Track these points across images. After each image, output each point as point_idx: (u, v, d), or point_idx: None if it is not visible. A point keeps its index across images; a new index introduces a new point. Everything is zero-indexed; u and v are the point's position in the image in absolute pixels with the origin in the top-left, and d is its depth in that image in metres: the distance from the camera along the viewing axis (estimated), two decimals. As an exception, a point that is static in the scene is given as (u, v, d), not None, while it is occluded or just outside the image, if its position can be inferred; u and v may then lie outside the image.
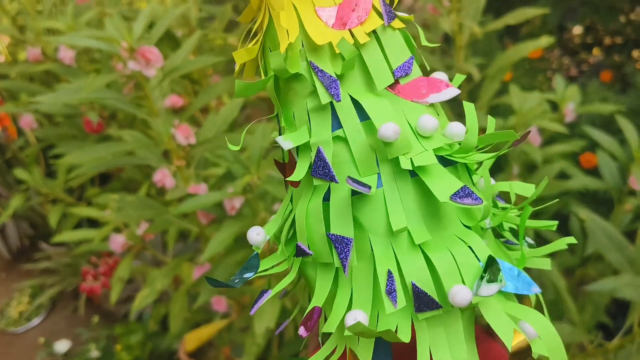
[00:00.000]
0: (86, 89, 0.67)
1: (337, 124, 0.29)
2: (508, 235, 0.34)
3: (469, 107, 0.30)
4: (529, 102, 0.96)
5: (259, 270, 0.32)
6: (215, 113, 0.84)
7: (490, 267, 0.27)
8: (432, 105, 0.31)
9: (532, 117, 0.95)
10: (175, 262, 0.89)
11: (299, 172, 0.29)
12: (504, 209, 0.35)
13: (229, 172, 0.82)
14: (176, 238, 0.98)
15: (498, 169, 1.13)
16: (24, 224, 1.77)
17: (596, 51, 1.94)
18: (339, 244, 0.29)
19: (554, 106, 1.14)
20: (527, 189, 0.34)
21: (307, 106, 0.29)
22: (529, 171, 1.09)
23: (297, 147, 0.30)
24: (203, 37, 1.13)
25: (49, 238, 1.54)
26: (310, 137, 0.29)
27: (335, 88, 0.28)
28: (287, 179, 0.31)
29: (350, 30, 0.29)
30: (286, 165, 0.33)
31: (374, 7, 0.29)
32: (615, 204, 0.98)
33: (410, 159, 0.28)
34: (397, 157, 0.28)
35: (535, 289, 0.29)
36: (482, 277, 0.27)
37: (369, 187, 0.27)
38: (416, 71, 0.31)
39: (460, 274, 0.28)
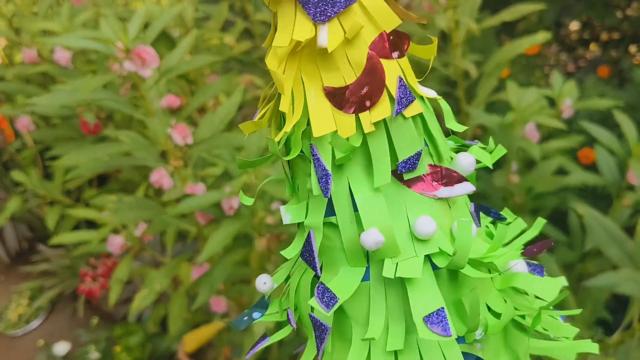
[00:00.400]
0: (82, 90, 0.66)
1: (331, 210, 0.28)
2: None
3: (462, 226, 0.27)
4: (526, 98, 0.96)
5: (267, 313, 0.32)
6: (212, 113, 0.84)
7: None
8: (442, 200, 0.28)
9: (529, 113, 0.95)
10: (173, 262, 0.89)
11: (293, 249, 0.29)
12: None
13: (226, 172, 0.82)
14: (175, 239, 0.98)
15: (497, 166, 1.13)
16: (23, 227, 1.77)
17: (593, 47, 1.94)
18: (317, 329, 0.28)
19: (552, 102, 1.14)
20: (549, 291, 0.29)
21: (307, 186, 0.28)
22: (528, 167, 1.09)
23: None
24: (199, 36, 1.13)
25: (47, 240, 1.53)
26: (305, 218, 0.29)
27: (326, 183, 0.27)
28: (282, 252, 0.30)
29: (357, 116, 0.27)
30: None
31: (387, 91, 0.26)
32: (614, 200, 0.98)
33: (396, 264, 0.27)
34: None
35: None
36: None
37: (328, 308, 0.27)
38: (425, 162, 0.28)
39: None
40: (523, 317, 0.30)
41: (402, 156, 0.27)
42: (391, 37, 0.27)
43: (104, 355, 1.24)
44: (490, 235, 0.33)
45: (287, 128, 0.27)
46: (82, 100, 0.74)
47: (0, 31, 1.26)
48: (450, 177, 0.28)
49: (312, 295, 0.28)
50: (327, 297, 0.27)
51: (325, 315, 0.28)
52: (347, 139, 0.26)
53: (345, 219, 0.27)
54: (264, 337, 0.31)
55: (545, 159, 1.03)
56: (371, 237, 0.26)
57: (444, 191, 0.28)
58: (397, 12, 0.27)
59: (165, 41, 0.96)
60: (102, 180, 1.42)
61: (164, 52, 0.83)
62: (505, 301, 0.30)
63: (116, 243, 0.95)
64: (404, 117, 0.27)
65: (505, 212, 0.35)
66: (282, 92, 0.26)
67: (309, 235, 0.28)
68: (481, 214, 0.33)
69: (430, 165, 0.28)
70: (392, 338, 0.27)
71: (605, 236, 0.78)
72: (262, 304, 0.33)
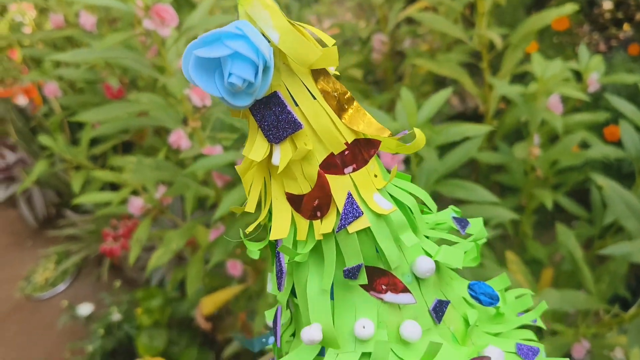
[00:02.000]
0: (101, 47, 0.68)
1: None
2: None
3: (379, 345, 0.30)
4: (551, 69, 0.94)
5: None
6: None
7: None
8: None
9: (553, 84, 0.93)
10: (191, 223, 0.91)
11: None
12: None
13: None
14: (194, 205, 1.00)
15: (519, 138, 1.11)
16: (50, 193, 1.81)
17: (626, 27, 1.88)
18: None
19: (578, 77, 1.12)
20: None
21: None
22: (551, 142, 1.07)
23: None
24: None
25: (74, 205, 1.57)
26: (278, 292, 0.33)
27: (281, 279, 0.31)
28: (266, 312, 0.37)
29: (312, 223, 0.30)
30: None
31: (335, 205, 0.29)
32: (637, 175, 0.96)
33: (337, 355, 0.30)
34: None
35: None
36: None
37: None
38: (362, 276, 0.30)
39: None
40: None
41: (348, 264, 0.30)
42: (346, 153, 0.29)
43: (125, 317, 1.27)
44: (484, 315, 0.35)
45: (260, 220, 0.31)
46: (102, 58, 0.75)
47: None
48: (395, 286, 0.30)
49: None
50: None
51: None
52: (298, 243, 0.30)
53: (304, 306, 0.31)
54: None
55: (568, 132, 1.01)
56: (306, 335, 0.29)
57: (389, 296, 0.30)
58: (364, 127, 0.29)
59: (185, 4, 0.97)
60: (126, 148, 1.45)
61: (184, 16, 0.84)
62: None
63: (136, 205, 0.97)
64: (347, 232, 0.29)
65: (502, 279, 0.37)
66: (247, 194, 0.30)
67: (276, 309, 0.33)
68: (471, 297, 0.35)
69: (380, 270, 0.30)
70: None
71: (624, 209, 0.76)
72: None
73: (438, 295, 0.32)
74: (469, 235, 0.34)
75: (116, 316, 1.27)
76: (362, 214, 0.29)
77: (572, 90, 0.93)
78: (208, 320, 1.10)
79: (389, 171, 0.32)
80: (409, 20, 1.39)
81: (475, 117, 1.47)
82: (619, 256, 0.82)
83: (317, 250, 0.30)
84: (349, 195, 0.29)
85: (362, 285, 0.30)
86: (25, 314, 1.63)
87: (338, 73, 0.31)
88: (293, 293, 0.32)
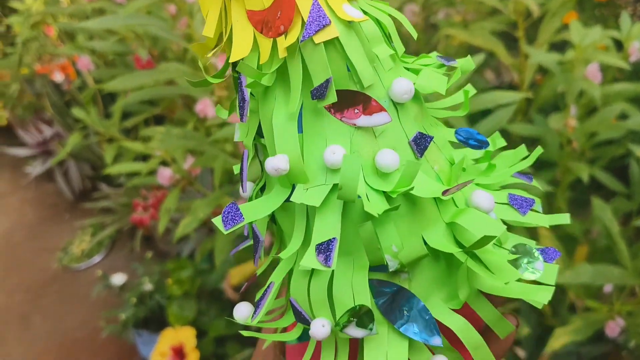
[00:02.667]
0: (126, 12, 0.68)
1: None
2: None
3: (347, 159, 0.26)
4: (590, 36, 0.90)
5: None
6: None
7: (360, 315, 0.27)
8: (364, 128, 0.28)
9: (592, 52, 0.89)
10: (218, 193, 0.91)
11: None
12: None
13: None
14: (223, 177, 1.00)
15: (554, 108, 1.07)
16: (86, 166, 1.85)
17: (675, -4, 1.79)
18: (254, 239, 0.31)
19: (619, 47, 1.07)
20: (487, 230, 0.27)
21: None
22: (589, 114, 1.03)
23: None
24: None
25: (108, 179, 1.60)
26: (246, 136, 0.29)
27: (243, 108, 0.27)
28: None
29: (275, 40, 0.26)
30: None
31: (300, 15, 0.26)
32: (681, 148, 0.92)
33: (306, 190, 0.27)
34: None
35: (436, 341, 0.27)
36: (350, 320, 0.27)
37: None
38: (331, 93, 0.27)
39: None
40: (480, 260, 0.29)
41: (315, 82, 0.26)
42: None
43: (156, 287, 1.30)
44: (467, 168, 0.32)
45: (220, 47, 0.28)
46: (129, 26, 0.75)
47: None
48: (369, 107, 0.27)
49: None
50: (232, 216, 0.27)
51: (261, 227, 0.30)
52: (263, 64, 0.26)
53: (269, 143, 0.28)
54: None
55: (607, 104, 0.97)
56: (270, 165, 0.26)
57: (362, 120, 0.27)
58: None
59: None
60: (158, 121, 1.46)
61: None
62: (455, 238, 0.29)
63: (165, 175, 0.98)
64: (314, 43, 0.26)
65: (495, 138, 0.34)
66: (204, 14, 0.27)
67: (243, 154, 0.29)
68: (459, 144, 0.32)
69: (352, 92, 0.27)
70: (306, 257, 0.27)
71: (665, 180, 0.73)
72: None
73: (420, 129, 0.29)
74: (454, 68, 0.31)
75: (148, 286, 1.29)
76: (330, 22, 0.26)
77: (612, 58, 0.89)
78: (235, 291, 1.11)
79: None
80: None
81: (512, 91, 1.42)
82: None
83: (283, 76, 0.27)
84: (315, 2, 0.26)
85: (333, 112, 0.27)
86: (62, 283, 1.68)
87: None
88: (260, 135, 0.29)
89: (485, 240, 0.26)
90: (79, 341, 1.50)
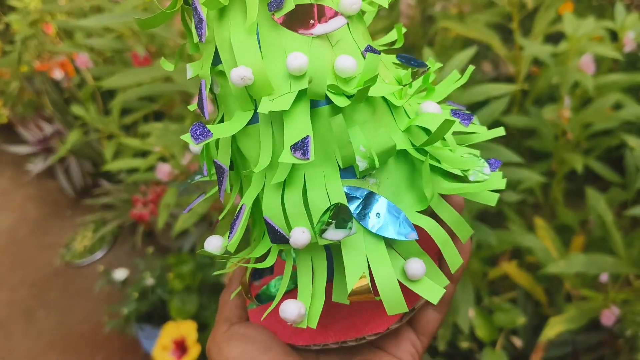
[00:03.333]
0: (122, 10, 0.68)
1: (218, 58, 0.29)
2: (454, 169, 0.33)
3: (316, 54, 0.29)
4: (583, 28, 0.91)
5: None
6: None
7: (339, 213, 0.28)
8: (321, 37, 0.29)
9: (585, 43, 0.90)
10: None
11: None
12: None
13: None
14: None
15: (550, 100, 1.08)
16: (86, 163, 1.86)
17: (673, -15, 1.79)
18: (218, 170, 0.31)
19: (614, 38, 1.07)
20: (435, 123, 0.30)
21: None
22: (585, 105, 1.04)
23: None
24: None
25: (109, 175, 1.61)
26: (201, 69, 0.30)
27: (201, 29, 0.28)
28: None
29: None
30: None
31: None
32: (675, 138, 0.92)
33: (272, 100, 0.28)
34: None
35: (412, 236, 0.29)
36: (329, 222, 0.28)
37: None
38: (288, 3, 0.28)
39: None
40: (438, 161, 0.31)
41: None
42: None
43: (158, 281, 1.31)
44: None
45: None
46: (125, 23, 0.76)
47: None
48: (324, 15, 0.28)
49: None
50: (200, 133, 0.28)
51: (224, 159, 0.30)
52: None
53: (229, 65, 0.28)
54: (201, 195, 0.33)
55: (602, 94, 0.98)
56: (235, 73, 0.27)
57: (319, 28, 0.28)
58: None
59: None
60: (157, 117, 1.47)
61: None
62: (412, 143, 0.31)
63: (164, 170, 0.99)
64: None
65: (431, 62, 0.35)
66: None
67: (200, 85, 0.30)
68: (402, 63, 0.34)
69: (306, 4, 0.28)
70: (278, 173, 0.28)
71: (657, 169, 0.74)
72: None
73: (369, 43, 0.31)
74: None
75: (150, 281, 1.31)
76: None
77: (606, 49, 0.89)
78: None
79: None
80: (440, -17, 1.36)
81: (509, 83, 1.43)
82: (650, 220, 0.80)
83: None
84: None
85: (290, 27, 0.28)
86: (65, 279, 1.70)
87: None
88: (216, 63, 0.30)
89: (445, 126, 0.27)
90: (82, 335, 1.52)
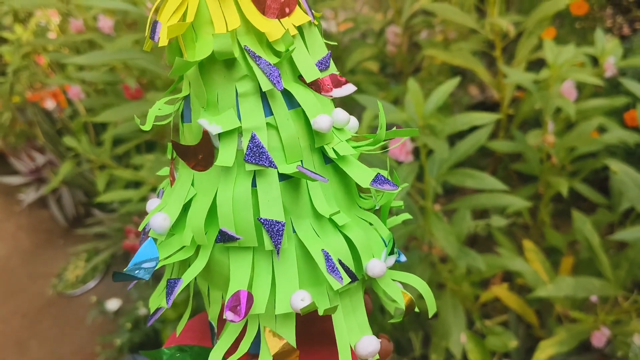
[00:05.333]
0: (113, 48, 0.70)
1: (267, 111, 0.30)
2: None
3: (380, 106, 0.33)
4: (563, 55, 0.93)
5: (161, 258, 0.31)
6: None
7: (391, 242, 0.32)
8: (333, 100, 0.32)
9: (567, 70, 0.92)
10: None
11: (227, 158, 0.29)
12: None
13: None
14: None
15: (536, 125, 1.10)
16: (79, 192, 1.87)
17: (652, 8, 1.83)
18: (271, 228, 0.29)
19: (596, 62, 1.10)
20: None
21: (237, 91, 0.29)
22: (569, 128, 1.06)
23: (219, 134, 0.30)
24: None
25: (101, 204, 1.62)
26: (240, 123, 0.29)
27: (276, 76, 0.29)
28: (217, 163, 0.29)
29: (280, 21, 0.29)
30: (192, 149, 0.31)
31: (298, 1, 0.30)
32: (657, 160, 0.94)
33: (333, 148, 0.31)
34: (322, 146, 0.31)
35: (403, 258, 0.35)
36: (386, 251, 0.32)
37: (325, 179, 0.29)
38: (332, 66, 0.32)
39: (372, 249, 0.32)
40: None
41: (316, 58, 0.31)
42: None
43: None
44: None
45: (218, 30, 0.28)
46: (118, 60, 0.78)
47: (52, 3, 1.32)
48: (338, 80, 0.32)
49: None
50: (314, 173, 0.30)
51: (276, 213, 0.30)
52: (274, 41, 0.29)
53: (284, 117, 0.30)
54: (173, 280, 0.31)
55: (585, 119, 1.00)
56: (326, 120, 0.29)
57: (336, 92, 0.32)
58: None
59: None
60: (149, 147, 1.48)
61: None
62: None
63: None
64: (312, 25, 0.31)
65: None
66: None
67: (253, 137, 0.29)
68: None
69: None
70: (337, 217, 0.31)
71: (638, 192, 0.76)
72: (150, 253, 0.31)
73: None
74: None
75: (143, 310, 1.30)
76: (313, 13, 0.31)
77: (586, 75, 0.92)
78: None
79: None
80: (426, 11, 1.39)
81: (496, 106, 1.46)
82: (637, 242, 0.81)
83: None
84: None
85: None
86: (57, 309, 1.69)
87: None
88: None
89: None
90: (75, 367, 1.51)
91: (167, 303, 0.30)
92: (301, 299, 0.28)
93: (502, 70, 1.02)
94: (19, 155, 1.87)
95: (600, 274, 0.87)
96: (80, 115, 1.37)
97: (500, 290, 1.00)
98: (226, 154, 0.29)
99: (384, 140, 0.33)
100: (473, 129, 0.83)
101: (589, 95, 1.11)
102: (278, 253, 0.30)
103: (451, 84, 0.76)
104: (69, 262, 1.80)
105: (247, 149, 0.29)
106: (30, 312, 1.70)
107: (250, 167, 0.29)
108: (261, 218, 0.29)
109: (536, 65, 1.34)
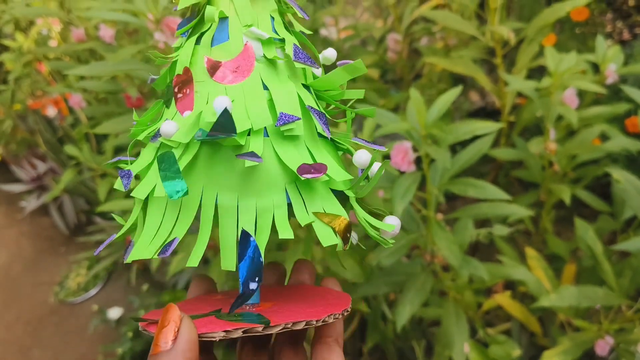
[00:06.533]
0: (114, 59, 0.70)
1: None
2: None
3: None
4: (565, 62, 0.93)
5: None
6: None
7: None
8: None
9: (568, 77, 0.92)
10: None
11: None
12: None
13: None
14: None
15: (537, 132, 1.09)
16: (80, 200, 1.86)
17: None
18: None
19: (596, 69, 1.10)
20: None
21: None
22: (570, 136, 1.06)
23: None
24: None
25: (103, 212, 1.62)
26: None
27: None
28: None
29: None
30: None
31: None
32: (659, 167, 0.94)
33: None
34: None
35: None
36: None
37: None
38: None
39: None
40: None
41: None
42: None
43: (153, 320, 1.30)
44: None
45: None
46: (118, 70, 0.78)
47: (53, 12, 1.32)
48: None
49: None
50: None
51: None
52: None
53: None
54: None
55: (587, 126, 1.00)
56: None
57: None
58: None
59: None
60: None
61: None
62: None
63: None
64: None
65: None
66: None
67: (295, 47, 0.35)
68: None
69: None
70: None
71: (641, 201, 0.75)
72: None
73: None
74: None
75: (144, 319, 1.30)
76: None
77: (588, 83, 0.92)
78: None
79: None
80: (426, 18, 1.39)
81: (496, 112, 1.46)
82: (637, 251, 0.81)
83: None
84: None
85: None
86: (59, 317, 1.69)
87: None
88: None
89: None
90: (77, 376, 1.51)
91: (95, 252, 0.34)
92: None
93: (503, 78, 1.02)
94: (20, 163, 1.87)
95: (603, 281, 0.87)
96: (82, 124, 1.37)
97: (502, 299, 0.99)
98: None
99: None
100: (475, 137, 0.83)
101: (590, 102, 1.11)
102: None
103: (453, 93, 0.76)
104: (71, 269, 1.80)
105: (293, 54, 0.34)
106: (33, 320, 1.70)
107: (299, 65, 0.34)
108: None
109: (537, 72, 1.34)
